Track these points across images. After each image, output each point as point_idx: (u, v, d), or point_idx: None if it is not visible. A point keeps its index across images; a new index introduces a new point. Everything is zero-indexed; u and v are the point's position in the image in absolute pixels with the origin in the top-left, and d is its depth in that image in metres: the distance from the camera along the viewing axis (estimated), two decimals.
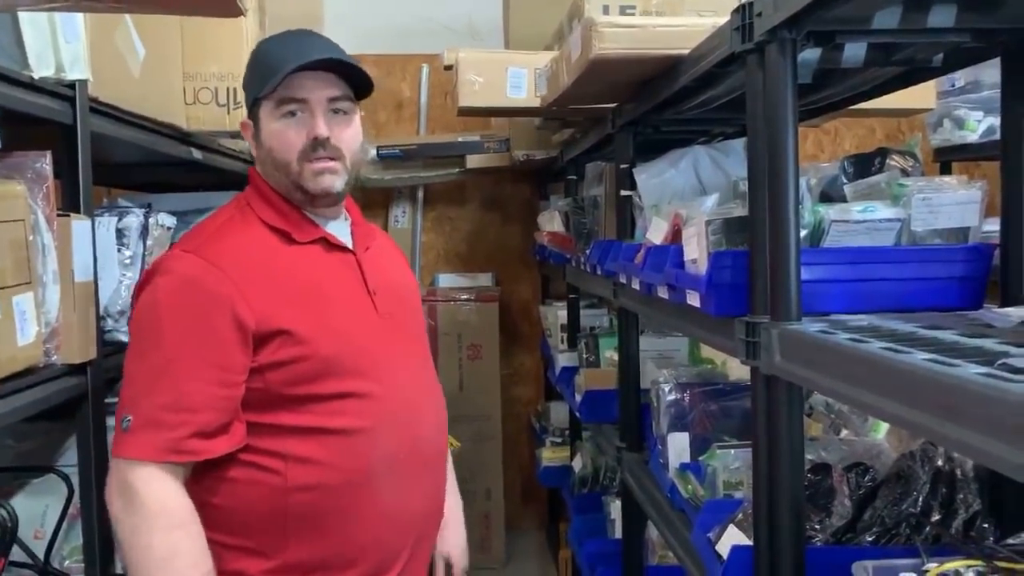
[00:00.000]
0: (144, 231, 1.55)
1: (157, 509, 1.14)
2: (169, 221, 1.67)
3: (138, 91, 1.57)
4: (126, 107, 1.51)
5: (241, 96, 1.86)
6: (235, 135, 1.95)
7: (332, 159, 1.25)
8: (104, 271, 1.43)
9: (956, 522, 1.14)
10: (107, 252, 1.47)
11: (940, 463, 1.20)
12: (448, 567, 1.47)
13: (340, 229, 1.32)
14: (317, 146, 1.23)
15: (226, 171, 2.12)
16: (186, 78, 1.80)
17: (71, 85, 1.29)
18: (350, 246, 1.32)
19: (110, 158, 1.72)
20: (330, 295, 1.26)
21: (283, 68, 1.21)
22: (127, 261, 1.52)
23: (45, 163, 1.22)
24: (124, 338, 1.48)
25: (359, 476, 1.23)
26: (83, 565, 1.38)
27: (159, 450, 1.14)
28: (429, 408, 1.33)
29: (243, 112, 1.83)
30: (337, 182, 1.26)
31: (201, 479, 1.21)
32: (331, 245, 1.29)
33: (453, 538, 1.48)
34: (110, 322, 1.46)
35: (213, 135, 1.92)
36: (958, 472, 1.19)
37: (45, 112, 1.24)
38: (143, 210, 1.56)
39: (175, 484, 1.16)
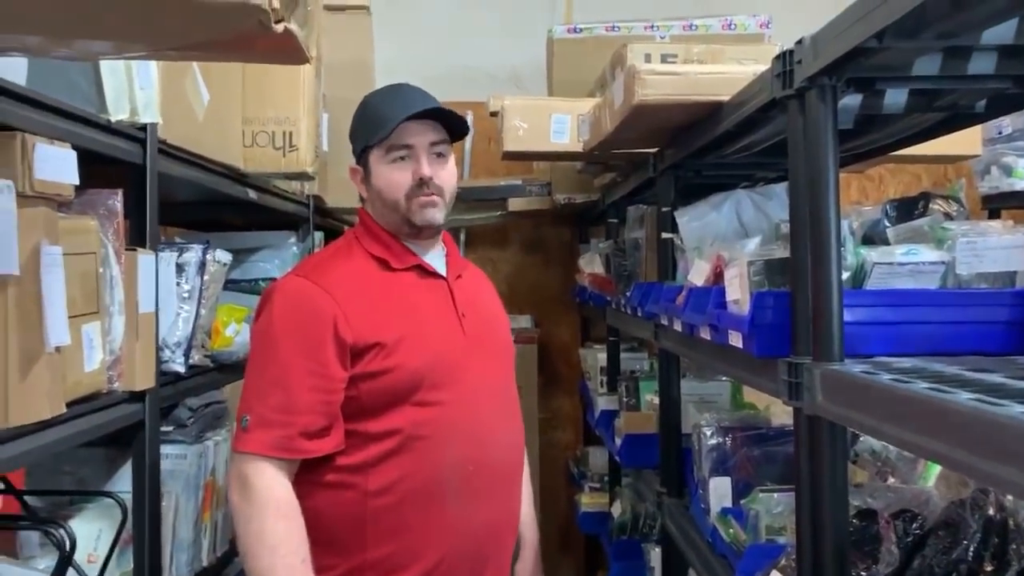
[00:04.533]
0: (202, 266, 1.61)
1: (266, 499, 1.28)
2: (225, 257, 1.74)
3: (201, 134, 1.65)
4: (190, 149, 1.59)
5: (296, 140, 1.97)
6: (289, 176, 2.04)
7: (434, 195, 1.41)
8: (164, 304, 1.49)
9: (1009, 574, 1.11)
10: (167, 286, 1.54)
11: (991, 512, 1.17)
12: None
13: (436, 259, 1.48)
14: (422, 185, 1.40)
15: (278, 211, 2.19)
16: (245, 122, 1.89)
17: (143, 128, 1.37)
18: (443, 273, 1.46)
19: (172, 197, 1.80)
20: (421, 314, 1.41)
21: (392, 119, 1.37)
22: (185, 295, 1.58)
23: (117, 200, 1.29)
24: (180, 369, 1.53)
25: (430, 482, 1.34)
26: None
27: (271, 446, 1.30)
28: (503, 427, 1.44)
29: (302, 155, 1.95)
30: (438, 215, 1.44)
31: (297, 482, 1.33)
32: (425, 272, 1.45)
33: (527, 563, 1.57)
34: (167, 352, 1.51)
35: (268, 176, 2.01)
36: (1010, 522, 1.16)
37: (119, 153, 1.32)
38: (202, 247, 1.63)
39: (283, 478, 1.30)
